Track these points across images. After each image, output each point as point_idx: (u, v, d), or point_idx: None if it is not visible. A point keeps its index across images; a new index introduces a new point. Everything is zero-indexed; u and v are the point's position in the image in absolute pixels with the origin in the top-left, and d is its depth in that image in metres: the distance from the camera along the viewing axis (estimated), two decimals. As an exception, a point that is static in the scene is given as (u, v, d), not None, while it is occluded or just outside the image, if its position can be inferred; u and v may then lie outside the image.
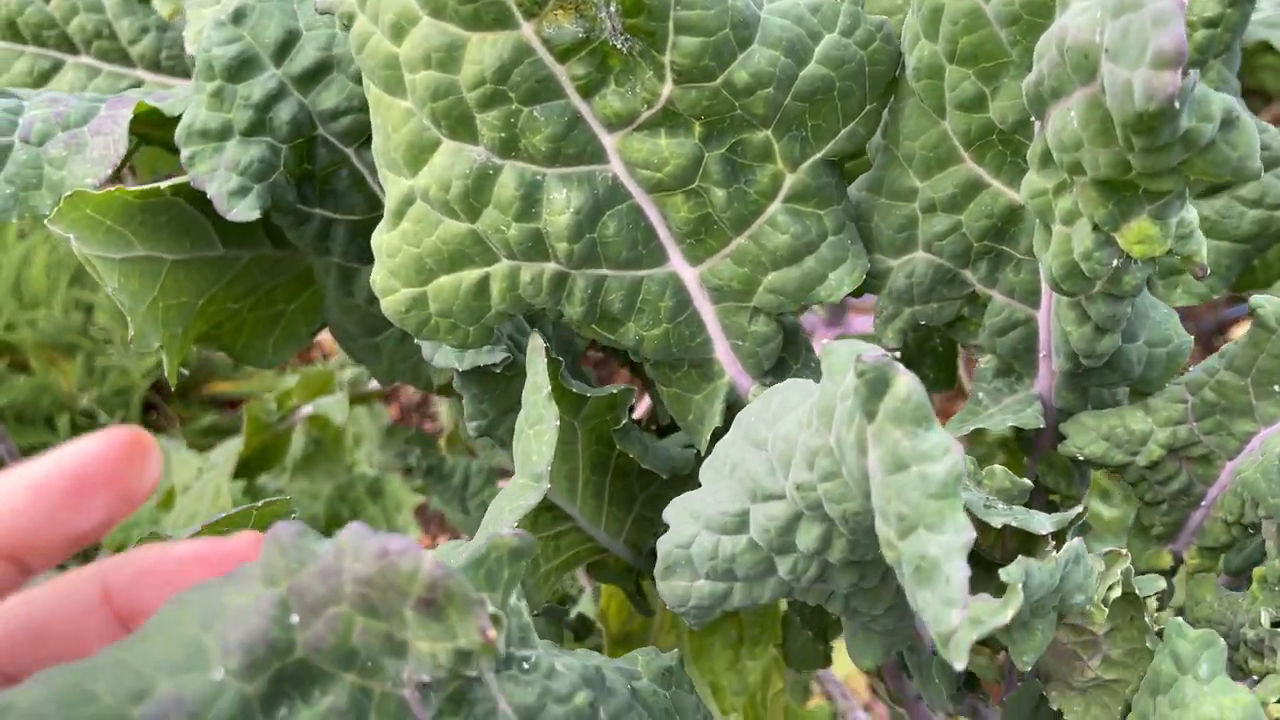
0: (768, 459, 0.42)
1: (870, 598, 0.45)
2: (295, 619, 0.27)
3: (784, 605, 0.70)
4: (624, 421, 0.52)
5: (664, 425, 0.67)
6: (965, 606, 0.32)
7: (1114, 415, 0.47)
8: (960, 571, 0.32)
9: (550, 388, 0.46)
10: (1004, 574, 0.34)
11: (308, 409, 1.01)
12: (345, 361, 1.06)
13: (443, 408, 1.45)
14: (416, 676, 0.29)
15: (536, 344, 0.47)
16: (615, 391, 0.51)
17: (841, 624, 0.63)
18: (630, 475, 0.59)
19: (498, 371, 0.52)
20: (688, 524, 0.44)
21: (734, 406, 0.51)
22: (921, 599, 0.33)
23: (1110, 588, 0.42)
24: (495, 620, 0.28)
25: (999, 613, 0.33)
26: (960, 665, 0.32)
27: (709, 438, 0.51)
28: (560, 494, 0.54)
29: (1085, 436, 0.48)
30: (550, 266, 0.46)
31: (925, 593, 0.33)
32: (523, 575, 0.32)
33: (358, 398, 1.03)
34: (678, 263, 0.47)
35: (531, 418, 0.47)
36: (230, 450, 1.00)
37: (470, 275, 0.47)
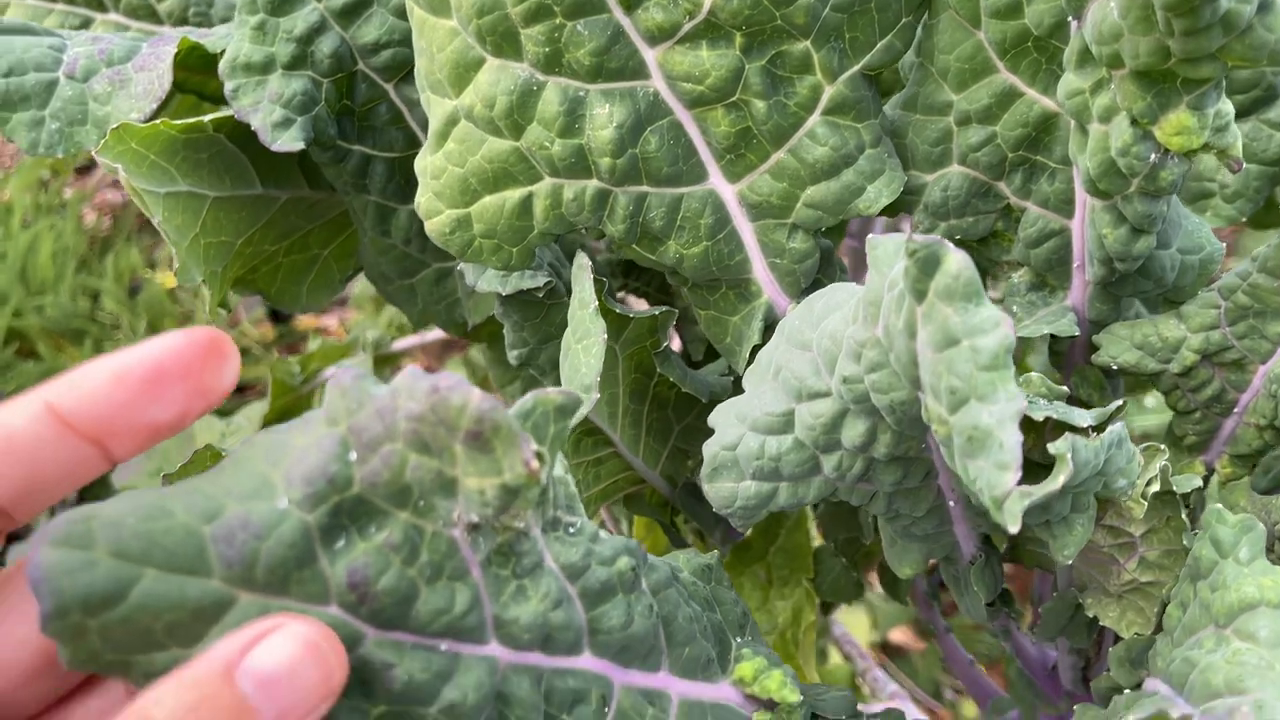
0: (813, 359, 0.43)
1: (912, 499, 0.46)
2: (354, 456, 0.29)
3: (816, 540, 0.71)
4: (664, 345, 0.54)
5: (696, 362, 0.69)
6: (1019, 469, 0.33)
7: (1147, 324, 0.49)
8: (1013, 436, 0.34)
9: (597, 303, 0.48)
10: (1052, 447, 0.36)
11: (331, 370, 1.02)
12: (367, 325, 1.08)
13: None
14: (466, 516, 0.30)
15: (582, 262, 0.49)
16: (657, 313, 0.52)
17: (876, 550, 0.65)
18: (667, 406, 0.60)
19: (541, 296, 0.53)
20: (733, 426, 0.45)
21: (771, 327, 0.52)
22: (974, 469, 0.35)
23: (1149, 483, 0.44)
24: (539, 457, 0.30)
25: (1049, 482, 0.35)
26: (1014, 528, 0.34)
27: (747, 356, 0.52)
28: (602, 418, 0.55)
29: (1118, 346, 0.49)
30: (593, 184, 0.48)
31: (978, 461, 0.35)
32: (566, 437, 0.33)
33: (380, 359, 1.05)
34: (717, 180, 0.49)
35: (579, 333, 0.48)
36: (254, 414, 1.02)
37: (514, 194, 0.48)
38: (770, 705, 0.41)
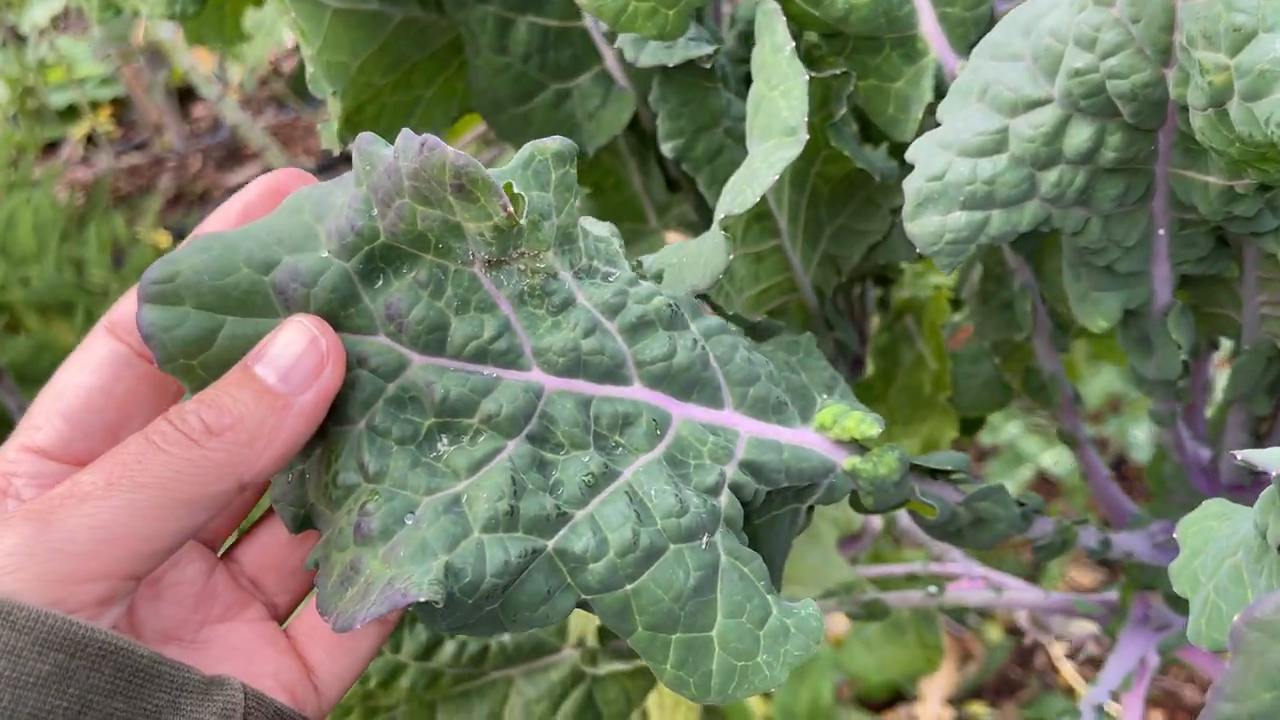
0: (1027, 66, 0.44)
1: (1127, 223, 0.47)
2: (375, 211, 0.34)
3: (951, 363, 0.72)
4: (837, 117, 0.53)
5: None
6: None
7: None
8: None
9: (793, 45, 0.47)
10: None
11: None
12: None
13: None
14: (480, 254, 0.35)
15: (769, 7, 0.48)
16: (836, 73, 0.52)
17: (1025, 352, 0.66)
18: (820, 203, 0.60)
19: (707, 68, 0.53)
20: (937, 155, 0.45)
21: (941, 88, 0.52)
22: (1264, 108, 0.35)
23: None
24: (516, 200, 0.35)
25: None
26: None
27: (919, 118, 0.53)
28: (771, 199, 0.55)
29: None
30: (764, -74, 0.48)
31: (1273, 96, 0.35)
32: (574, 185, 0.37)
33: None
34: (890, -81, 0.49)
35: (774, 80, 0.48)
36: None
37: (679, -55, 0.48)
38: (860, 449, 0.42)
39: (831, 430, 0.42)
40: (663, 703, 0.95)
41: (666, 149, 0.56)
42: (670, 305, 0.39)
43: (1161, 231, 0.47)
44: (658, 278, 0.48)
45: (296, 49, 3.25)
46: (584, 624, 0.68)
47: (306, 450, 0.36)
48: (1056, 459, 1.66)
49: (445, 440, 0.36)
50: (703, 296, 0.52)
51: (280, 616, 0.40)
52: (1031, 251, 0.60)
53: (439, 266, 0.35)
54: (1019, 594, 0.80)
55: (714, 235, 0.46)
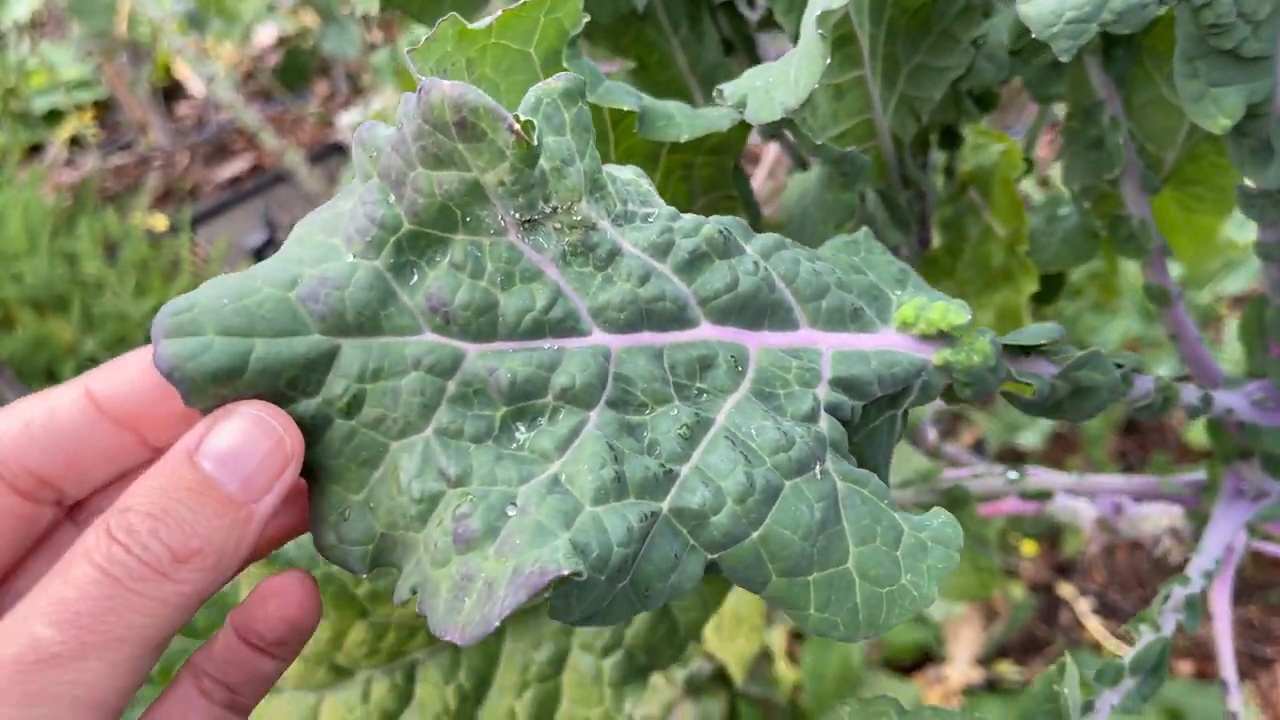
0: None
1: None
2: (392, 198, 0.33)
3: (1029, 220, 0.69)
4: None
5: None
6: None
7: None
8: None
9: None
10: None
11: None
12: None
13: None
14: (509, 216, 0.34)
15: None
16: None
17: (1113, 200, 0.63)
18: (897, 39, 0.58)
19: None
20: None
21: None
22: None
23: None
24: (524, 125, 0.33)
25: None
26: None
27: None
28: (854, 19, 0.53)
29: None
30: None
31: None
32: (591, 125, 0.35)
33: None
34: None
35: None
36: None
37: None
38: (948, 341, 0.40)
39: (916, 326, 0.40)
40: (721, 625, 0.92)
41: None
42: (721, 232, 0.37)
43: (1292, 4, 0.45)
44: (740, 105, 0.46)
45: (280, 43, 3.23)
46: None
47: (355, 485, 0.33)
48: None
49: (522, 428, 0.34)
50: (787, 123, 0.50)
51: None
52: (1121, 78, 0.58)
53: (473, 244, 0.34)
54: (1101, 480, 0.78)
55: (807, 40, 0.44)
